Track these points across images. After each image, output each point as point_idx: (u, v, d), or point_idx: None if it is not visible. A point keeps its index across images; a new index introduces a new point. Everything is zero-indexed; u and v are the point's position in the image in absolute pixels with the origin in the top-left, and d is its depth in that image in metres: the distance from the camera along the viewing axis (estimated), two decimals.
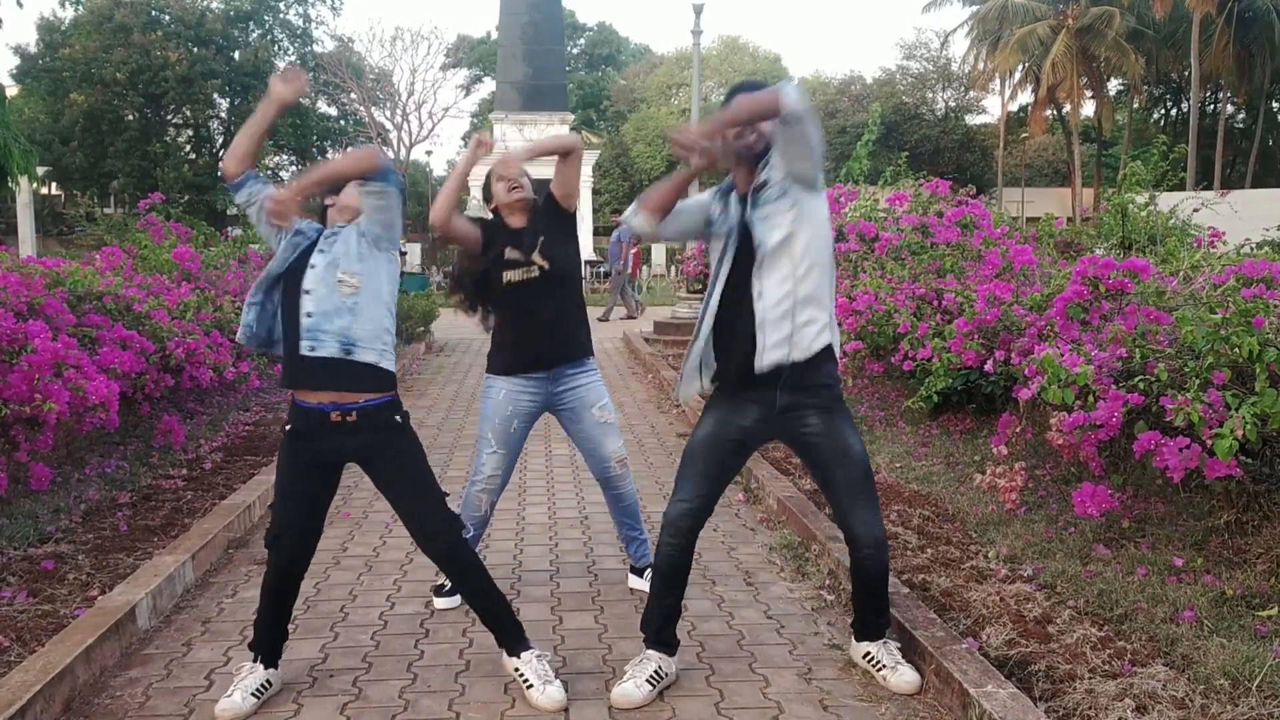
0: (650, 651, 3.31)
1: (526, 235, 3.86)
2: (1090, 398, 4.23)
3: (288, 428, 3.21)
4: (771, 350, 3.08)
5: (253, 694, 3.13)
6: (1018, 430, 5.27)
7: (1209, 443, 3.68)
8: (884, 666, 3.33)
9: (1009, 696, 2.93)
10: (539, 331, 3.89)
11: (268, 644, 3.24)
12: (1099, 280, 5.09)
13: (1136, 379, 4.17)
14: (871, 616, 3.39)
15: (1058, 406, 4.36)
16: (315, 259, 3.11)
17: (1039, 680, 3.13)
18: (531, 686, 3.19)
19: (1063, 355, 4.41)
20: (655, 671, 3.25)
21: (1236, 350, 3.81)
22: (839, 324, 7.02)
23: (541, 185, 3.99)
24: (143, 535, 4.70)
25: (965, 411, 6.76)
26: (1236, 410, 3.66)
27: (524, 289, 3.84)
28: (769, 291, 3.09)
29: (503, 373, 3.98)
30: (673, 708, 3.18)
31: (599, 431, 4.03)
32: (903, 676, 3.28)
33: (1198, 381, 3.88)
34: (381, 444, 3.18)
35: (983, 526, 4.73)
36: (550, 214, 3.94)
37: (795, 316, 3.09)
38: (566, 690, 3.23)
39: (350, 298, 3.06)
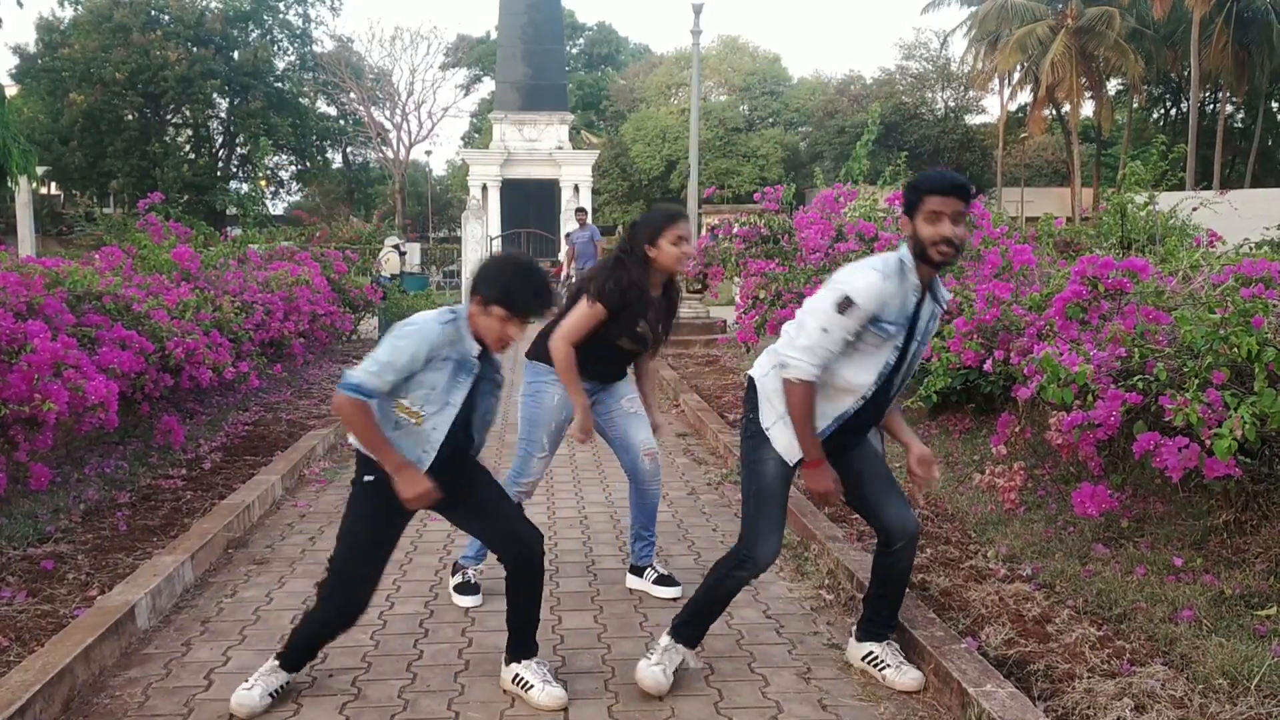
0: (681, 645, 3.33)
1: (656, 320, 3.96)
2: (1089, 397, 4.23)
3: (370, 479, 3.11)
4: None
5: (271, 694, 3.14)
6: (1017, 430, 5.27)
7: (1208, 442, 3.68)
8: (887, 665, 3.33)
9: (1008, 696, 2.93)
10: (616, 370, 4.09)
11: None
12: (1098, 280, 5.09)
13: (1135, 378, 4.17)
14: (886, 615, 3.40)
15: (1057, 406, 4.36)
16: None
17: (1038, 680, 3.13)
18: (531, 688, 3.19)
19: (1062, 355, 4.41)
20: (682, 663, 3.34)
21: (1235, 350, 3.81)
22: None
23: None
24: (142, 535, 4.70)
25: (964, 411, 6.76)
26: (1235, 410, 3.66)
27: (626, 354, 4.04)
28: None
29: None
30: (672, 707, 3.18)
31: (626, 421, 4.10)
32: (908, 675, 3.29)
33: (1197, 381, 3.88)
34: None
35: (982, 526, 4.73)
36: (666, 299, 4.01)
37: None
38: (566, 689, 3.23)
39: None
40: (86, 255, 9.42)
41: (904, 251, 3.08)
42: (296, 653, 3.21)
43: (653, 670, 3.25)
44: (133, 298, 6.71)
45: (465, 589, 4.14)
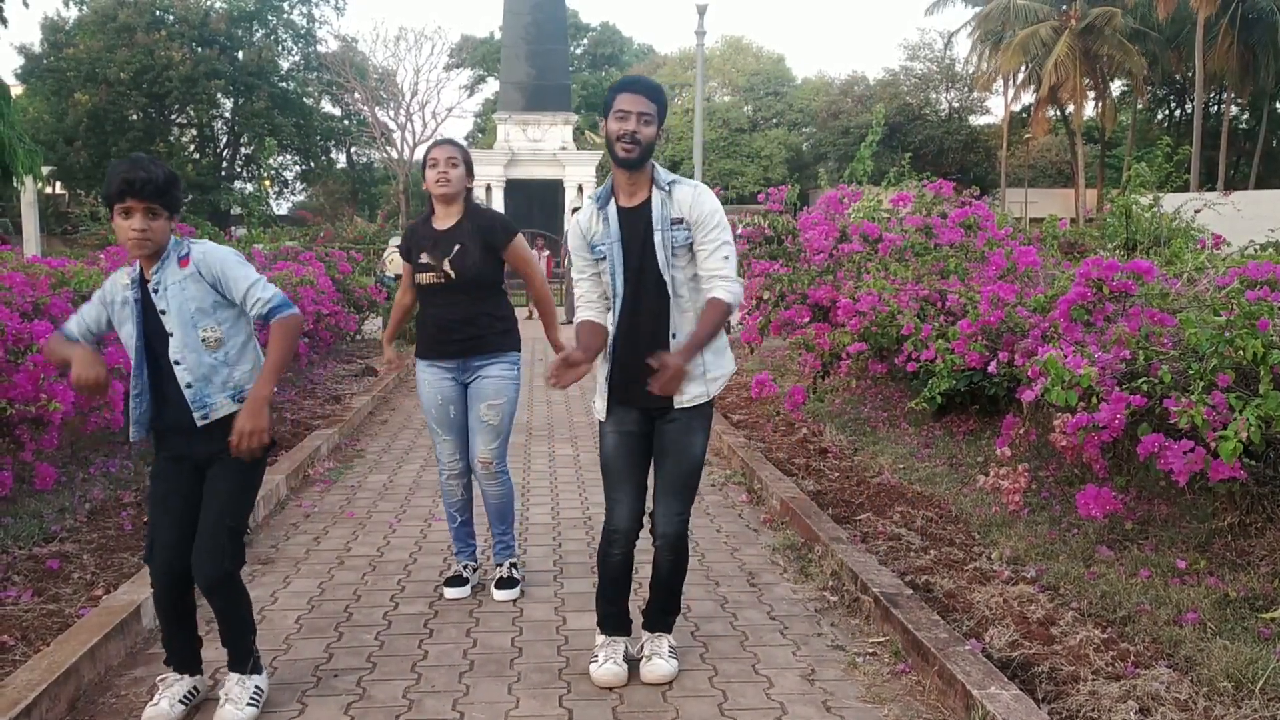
0: (615, 638, 3.44)
1: (443, 243, 4.01)
2: (1094, 399, 4.22)
3: None
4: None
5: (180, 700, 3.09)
6: (1021, 432, 5.26)
7: (1213, 445, 3.68)
8: (643, 656, 3.41)
9: (1012, 698, 2.93)
10: (445, 328, 4.07)
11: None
12: (1103, 282, 5.09)
13: (1140, 381, 4.16)
14: (660, 608, 3.46)
15: (1061, 408, 4.35)
16: None
17: (1042, 682, 3.13)
18: (226, 703, 3.05)
19: (1066, 357, 4.41)
20: (625, 651, 3.43)
21: (1241, 353, 3.81)
22: (843, 325, 7.04)
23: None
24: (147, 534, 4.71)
25: (969, 413, 6.76)
26: (1240, 412, 3.66)
27: (434, 290, 4.05)
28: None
29: (420, 355, 4.19)
30: (676, 709, 3.19)
31: (477, 428, 4.11)
32: (655, 669, 3.35)
33: (1202, 384, 3.88)
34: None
35: (986, 528, 4.73)
36: (485, 240, 4.02)
37: None
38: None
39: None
40: (92, 255, 9.44)
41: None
42: (164, 641, 3.15)
43: (605, 667, 3.34)
44: None
45: (451, 581, 4.24)
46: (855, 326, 6.92)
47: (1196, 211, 9.72)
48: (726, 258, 3.18)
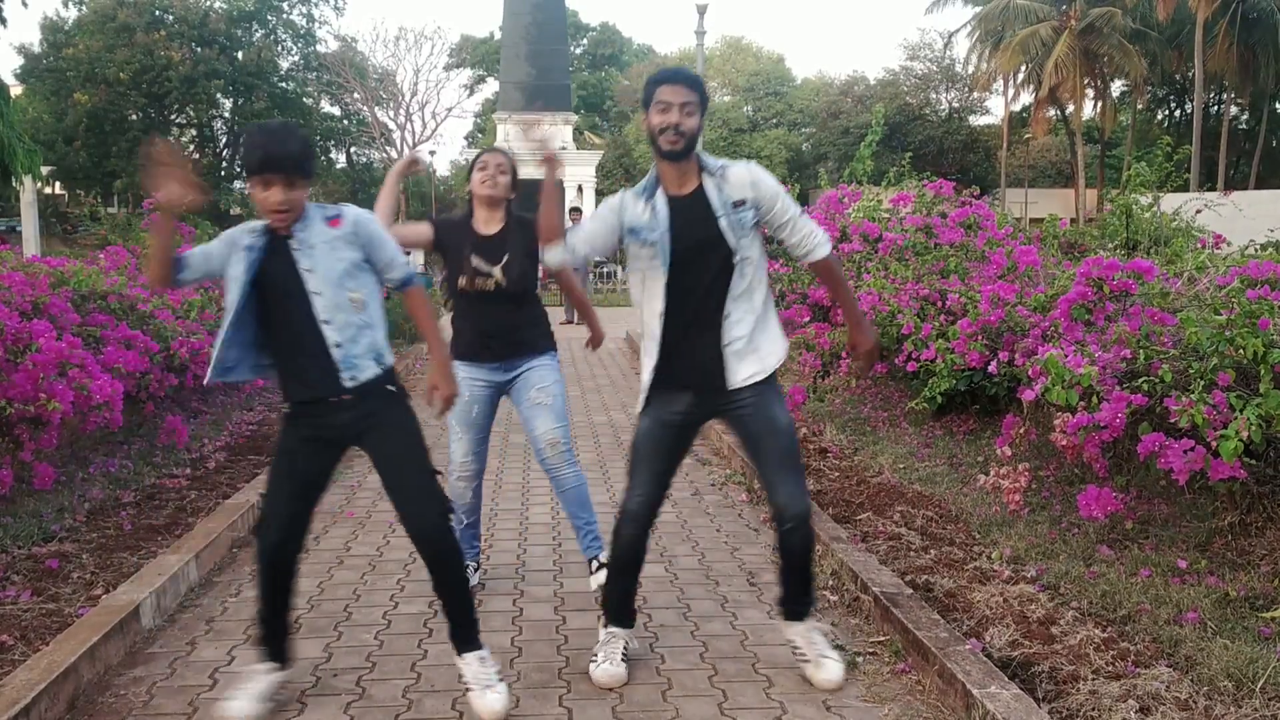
0: (614, 629, 3.43)
1: (491, 249, 4.00)
2: (1094, 399, 4.22)
3: None
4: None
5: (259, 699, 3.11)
6: (1021, 431, 5.26)
7: (1213, 444, 3.68)
8: (806, 660, 3.34)
9: (1012, 698, 2.93)
10: (490, 331, 4.06)
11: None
12: (1103, 281, 5.09)
13: (1140, 380, 4.16)
14: (793, 593, 3.38)
15: (1062, 407, 4.35)
16: None
17: (1042, 681, 3.13)
18: (471, 691, 3.12)
19: (1067, 356, 4.41)
20: (624, 648, 3.42)
21: (1241, 352, 3.81)
22: (843, 324, 7.03)
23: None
24: (147, 534, 4.71)
25: (969, 412, 6.75)
26: (1241, 412, 3.66)
27: (481, 296, 4.02)
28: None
29: (459, 358, 4.07)
30: (676, 708, 3.18)
31: (532, 412, 4.10)
32: (825, 672, 3.29)
33: (1202, 383, 3.88)
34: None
35: (986, 527, 4.73)
36: (527, 248, 3.99)
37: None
38: (509, 696, 3.14)
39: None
40: (91, 255, 9.43)
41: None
42: (259, 625, 3.14)
43: (602, 667, 3.34)
44: (138, 297, 6.72)
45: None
46: None
47: (1197, 211, 9.71)
48: (801, 220, 3.26)
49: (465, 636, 3.16)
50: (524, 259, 4.01)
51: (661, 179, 3.21)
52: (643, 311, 3.29)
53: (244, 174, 3.03)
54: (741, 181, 3.17)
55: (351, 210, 3.01)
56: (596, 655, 3.41)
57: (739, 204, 3.16)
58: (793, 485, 3.23)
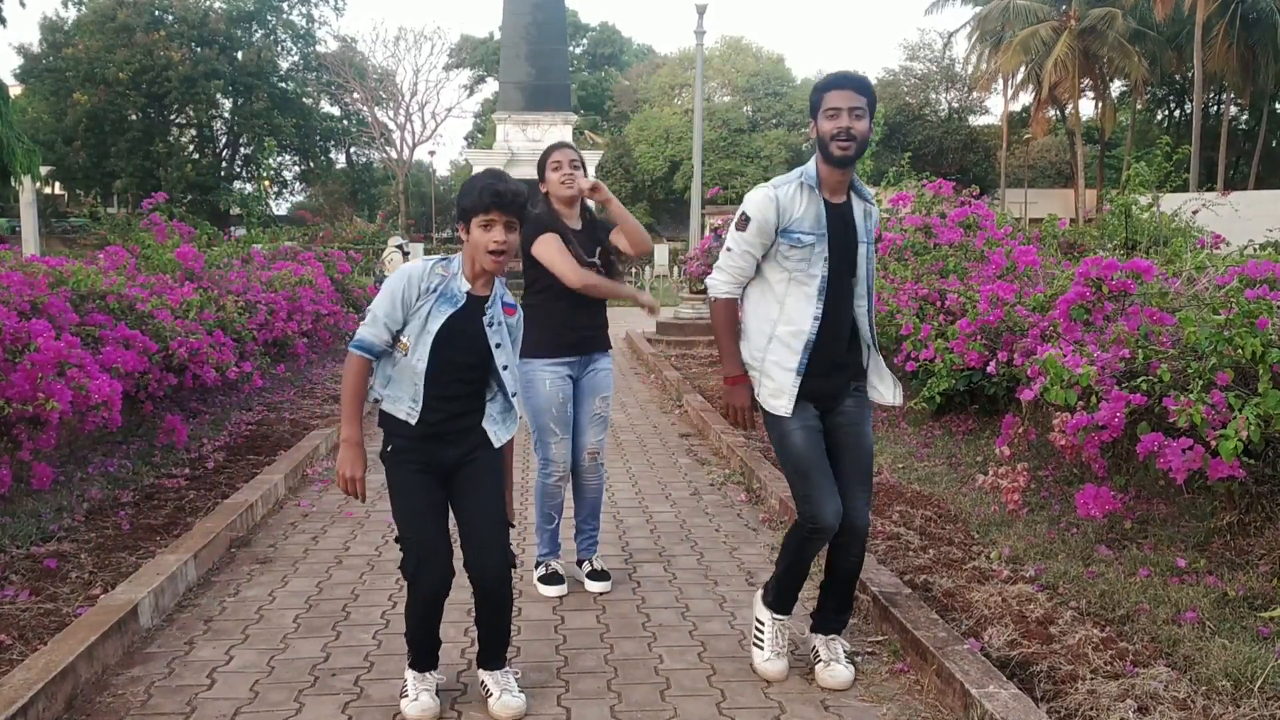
0: (782, 618, 3.43)
1: (585, 238, 4.13)
2: (1093, 399, 4.22)
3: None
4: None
5: (432, 694, 3.16)
6: (1020, 431, 5.26)
7: (1212, 444, 3.68)
8: (819, 660, 3.38)
9: (1011, 697, 2.93)
10: (582, 323, 4.16)
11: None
12: (1102, 281, 5.09)
13: (1139, 380, 4.16)
14: (831, 608, 3.43)
15: (1060, 407, 4.35)
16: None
17: (1041, 681, 3.13)
18: (490, 695, 3.17)
19: (1065, 356, 4.41)
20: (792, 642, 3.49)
21: (1240, 351, 3.81)
22: None
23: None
24: (145, 534, 4.71)
25: (968, 412, 6.75)
26: (1240, 411, 3.66)
27: (568, 288, 4.04)
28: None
29: (545, 354, 4.10)
30: (675, 708, 3.18)
31: (589, 421, 4.26)
32: (832, 673, 3.32)
33: (1201, 383, 3.87)
34: None
35: (985, 527, 4.73)
36: (603, 232, 4.23)
37: None
38: (527, 702, 3.18)
39: None
40: (90, 255, 9.43)
41: (809, 164, 3.24)
42: (417, 648, 3.15)
43: (769, 660, 3.38)
44: (136, 297, 6.72)
45: (549, 579, 4.29)
46: None
47: (1195, 212, 9.72)
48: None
49: (498, 656, 3.24)
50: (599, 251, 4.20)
51: (821, 183, 3.22)
52: (779, 313, 3.25)
53: (462, 219, 3.10)
54: (875, 217, 3.37)
55: (518, 308, 3.26)
56: (762, 645, 3.41)
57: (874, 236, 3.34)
58: (862, 499, 3.31)
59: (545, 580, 4.29)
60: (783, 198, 3.18)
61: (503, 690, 3.16)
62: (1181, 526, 4.37)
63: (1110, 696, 2.94)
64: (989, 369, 5.67)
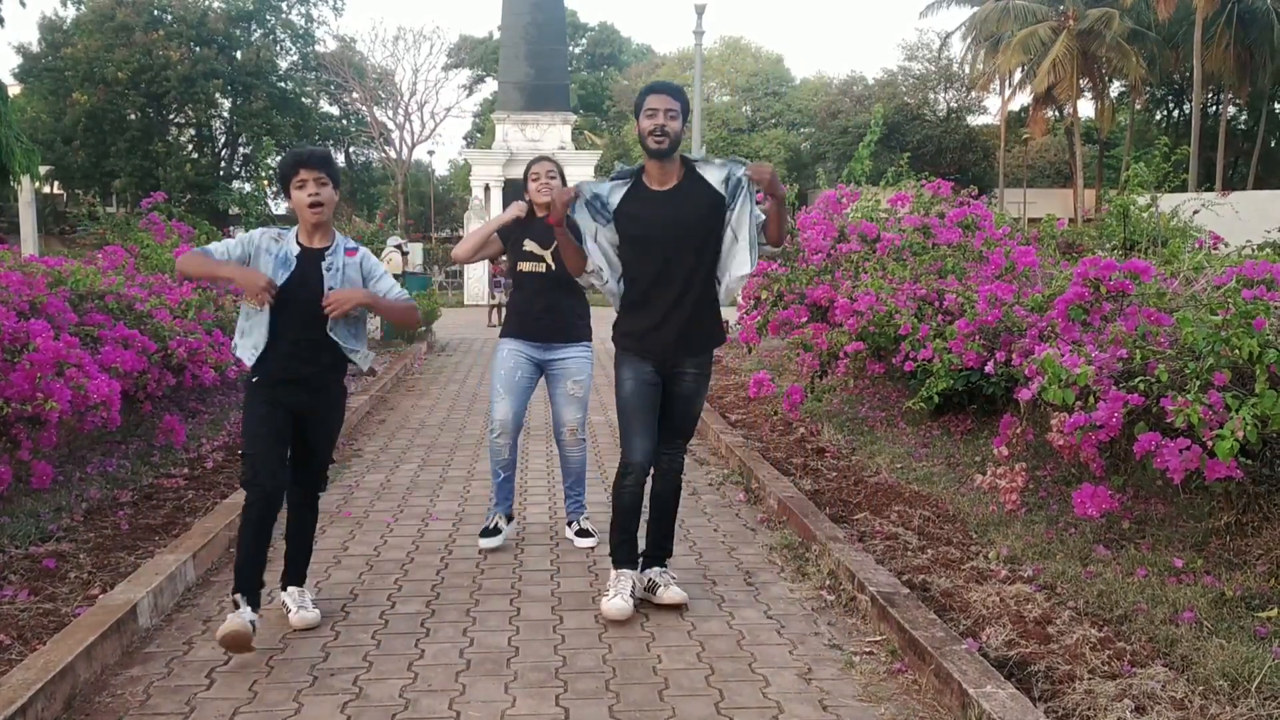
0: (625, 571, 3.98)
1: (546, 234, 4.51)
2: (1091, 399, 4.23)
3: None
4: None
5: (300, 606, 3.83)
6: (1018, 431, 5.27)
7: (1209, 444, 3.68)
8: (658, 586, 3.99)
9: (1008, 697, 2.93)
10: (539, 313, 4.70)
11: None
12: (1100, 282, 5.10)
13: (1137, 380, 4.17)
14: (661, 542, 4.11)
15: (1058, 407, 4.36)
16: None
17: (1038, 681, 3.13)
18: (290, 612, 3.78)
19: (1063, 356, 4.41)
20: (632, 587, 3.95)
21: (1237, 352, 3.81)
22: (841, 324, 7.04)
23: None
24: (144, 534, 4.71)
25: (966, 412, 6.76)
26: (1237, 412, 3.66)
27: (533, 277, 4.67)
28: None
29: (509, 335, 4.79)
30: (673, 707, 3.19)
31: (564, 401, 4.80)
32: (674, 593, 3.97)
33: (1198, 383, 3.88)
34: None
35: (983, 527, 4.73)
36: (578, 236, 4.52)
37: None
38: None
39: None
40: (89, 255, 9.43)
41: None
42: (240, 571, 3.60)
43: (613, 601, 3.85)
44: (135, 297, 6.72)
45: (485, 532, 4.87)
46: (853, 326, 6.92)
47: (1194, 212, 9.73)
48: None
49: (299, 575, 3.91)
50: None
51: (646, 175, 3.84)
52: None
53: (280, 184, 3.75)
54: (716, 178, 3.80)
55: (362, 248, 3.80)
56: (608, 591, 3.92)
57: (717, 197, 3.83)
58: (677, 444, 4.06)
59: (482, 533, 4.86)
60: (603, 189, 3.86)
61: (299, 606, 3.77)
62: (1179, 526, 4.38)
63: (1108, 696, 2.94)
64: (987, 369, 5.67)
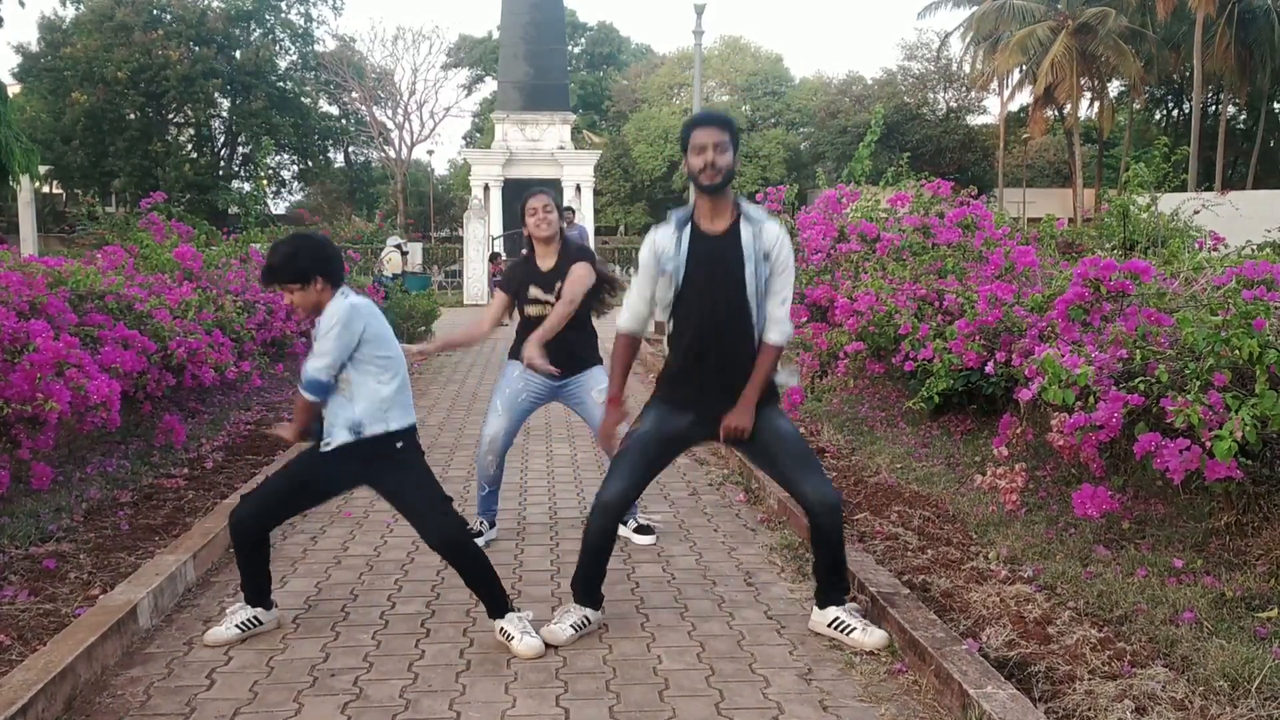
0: (577, 605, 3.77)
1: (548, 278, 4.70)
2: (1091, 399, 4.23)
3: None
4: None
5: (238, 626, 3.69)
6: (1018, 431, 5.27)
7: (1209, 444, 3.69)
8: (853, 629, 3.63)
9: (1009, 697, 2.93)
10: (549, 351, 4.60)
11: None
12: (1100, 282, 5.10)
13: (1137, 380, 4.17)
14: (835, 581, 3.72)
15: (1058, 407, 4.36)
16: None
17: (1039, 681, 3.14)
18: (512, 639, 3.58)
19: (1063, 356, 4.42)
20: (582, 619, 3.74)
21: (1237, 352, 3.82)
22: (841, 324, 7.05)
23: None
24: (144, 534, 4.71)
25: (966, 412, 6.76)
26: (1236, 412, 3.66)
27: (540, 320, 4.66)
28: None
29: (515, 358, 4.78)
30: (673, 708, 3.19)
31: (595, 410, 4.71)
32: (873, 635, 3.58)
33: (1198, 383, 3.88)
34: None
35: (983, 527, 4.73)
36: (565, 265, 4.71)
37: None
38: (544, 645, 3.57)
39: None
40: (89, 254, 9.41)
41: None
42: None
43: (550, 629, 3.67)
44: (135, 297, 6.71)
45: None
46: (853, 326, 6.92)
47: (1194, 212, 9.73)
48: (785, 301, 3.58)
49: (501, 604, 3.67)
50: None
51: (696, 213, 3.59)
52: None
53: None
54: (771, 238, 3.55)
55: (331, 307, 3.57)
56: (554, 615, 3.76)
57: (765, 256, 3.54)
58: (816, 477, 3.66)
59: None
60: (660, 239, 3.60)
61: (523, 634, 3.62)
62: (1179, 527, 4.38)
63: (1108, 697, 2.94)
64: (987, 369, 5.67)
